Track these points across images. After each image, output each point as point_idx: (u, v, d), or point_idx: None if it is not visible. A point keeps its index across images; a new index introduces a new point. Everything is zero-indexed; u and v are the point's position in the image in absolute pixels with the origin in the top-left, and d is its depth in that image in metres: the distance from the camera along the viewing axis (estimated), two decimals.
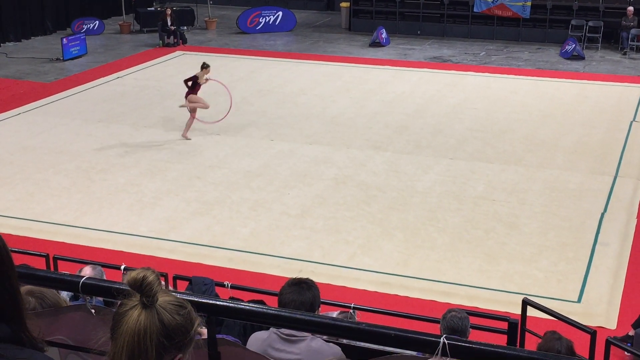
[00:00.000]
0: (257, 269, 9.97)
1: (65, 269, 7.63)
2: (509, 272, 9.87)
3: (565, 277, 9.75)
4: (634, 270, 9.93)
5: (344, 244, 10.63)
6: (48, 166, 13.49)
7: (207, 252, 10.45)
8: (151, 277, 2.10)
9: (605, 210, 11.72)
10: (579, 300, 9.26)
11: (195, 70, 15.13)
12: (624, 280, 9.68)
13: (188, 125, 14.75)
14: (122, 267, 7.11)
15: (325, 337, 4.11)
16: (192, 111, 14.66)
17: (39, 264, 7.33)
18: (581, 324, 6.57)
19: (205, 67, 14.58)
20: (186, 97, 14.67)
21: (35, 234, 10.90)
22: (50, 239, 10.68)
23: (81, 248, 10.35)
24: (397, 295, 9.35)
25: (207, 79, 14.64)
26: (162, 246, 10.61)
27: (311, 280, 4.38)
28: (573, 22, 23.02)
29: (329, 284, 9.28)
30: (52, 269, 7.69)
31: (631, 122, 15.85)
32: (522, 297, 7.21)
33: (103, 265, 7.07)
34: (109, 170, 13.31)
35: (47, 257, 7.72)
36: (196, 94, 14.62)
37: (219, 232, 11.04)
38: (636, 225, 11.21)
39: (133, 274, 2.12)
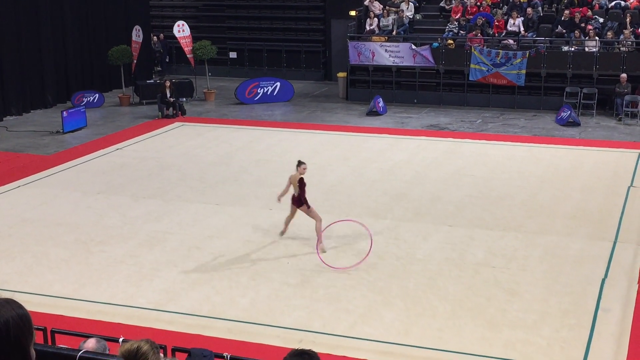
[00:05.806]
0: (257, 339, 9.87)
1: (63, 342, 7.57)
2: (511, 339, 9.78)
3: (568, 344, 9.65)
4: (637, 336, 9.83)
5: (344, 313, 10.55)
6: (47, 238, 13.47)
7: (206, 323, 10.36)
8: (145, 347, 2.10)
9: (605, 276, 11.67)
10: None
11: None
12: (627, 346, 9.57)
13: (286, 223, 13.18)
14: (121, 339, 7.05)
15: None
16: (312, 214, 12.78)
17: (37, 337, 7.26)
18: None
19: (299, 164, 12.70)
20: (298, 204, 12.74)
21: (34, 307, 10.71)
22: (48, 312, 10.59)
23: (79, 321, 10.27)
24: None
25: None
26: (161, 318, 10.52)
27: (314, 352, 4.33)
28: (567, 89, 23.31)
29: (329, 354, 9.20)
30: (49, 342, 7.63)
31: (629, 188, 15.91)
32: None
33: (101, 338, 7.01)
34: (108, 241, 13.29)
35: (44, 330, 7.67)
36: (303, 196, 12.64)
37: (219, 303, 10.96)
38: (637, 291, 11.15)
39: (127, 345, 2.12)
